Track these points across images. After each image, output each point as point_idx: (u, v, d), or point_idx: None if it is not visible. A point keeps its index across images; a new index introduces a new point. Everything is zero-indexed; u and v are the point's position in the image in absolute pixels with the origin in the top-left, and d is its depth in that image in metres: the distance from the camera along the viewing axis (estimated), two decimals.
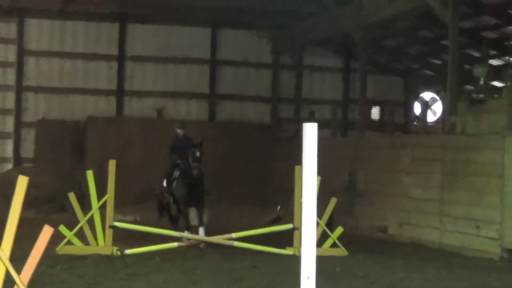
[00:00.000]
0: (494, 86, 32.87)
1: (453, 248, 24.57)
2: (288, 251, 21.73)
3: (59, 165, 35.19)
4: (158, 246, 21.28)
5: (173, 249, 21.60)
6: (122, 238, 22.13)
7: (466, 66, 34.05)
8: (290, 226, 22.01)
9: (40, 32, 38.60)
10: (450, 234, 25.24)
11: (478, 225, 23.97)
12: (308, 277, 10.00)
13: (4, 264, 10.22)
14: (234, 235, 22.00)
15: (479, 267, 20.84)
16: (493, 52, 36.85)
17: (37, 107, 38.47)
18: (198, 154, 23.32)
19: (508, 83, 26.89)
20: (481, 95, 27.02)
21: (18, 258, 10.17)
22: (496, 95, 27.06)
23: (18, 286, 10.17)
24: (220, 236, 22.37)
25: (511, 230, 22.71)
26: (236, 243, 21.87)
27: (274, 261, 20.29)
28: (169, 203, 25.20)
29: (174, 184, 24.29)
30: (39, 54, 38.57)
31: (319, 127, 10.46)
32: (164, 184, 24.85)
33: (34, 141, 38.02)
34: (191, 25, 39.55)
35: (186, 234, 23.05)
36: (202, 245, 22.96)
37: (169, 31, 39.55)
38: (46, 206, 29.04)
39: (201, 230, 23.47)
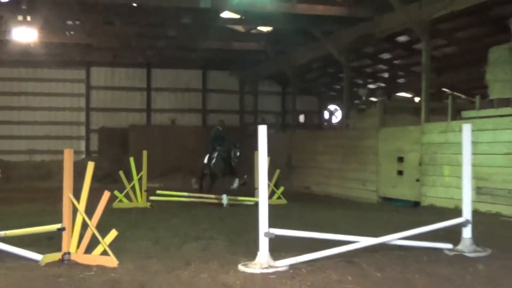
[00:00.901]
0: (371, 101, 33.17)
1: (349, 197, 24.75)
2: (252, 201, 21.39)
3: (113, 155, 35.12)
4: (175, 198, 21.47)
5: (185, 203, 21.29)
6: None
7: (354, 89, 34.22)
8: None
9: (99, 75, 38.37)
10: (348, 189, 25.45)
11: (364, 183, 24.28)
12: (264, 216, 10.35)
13: (81, 214, 10.49)
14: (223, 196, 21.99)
15: (365, 207, 21.11)
16: (370, 80, 37.16)
17: (98, 120, 38.32)
18: (238, 153, 22.24)
19: (379, 98, 27.13)
20: (364, 106, 27.40)
21: (89, 210, 10.53)
22: (372, 106, 27.32)
23: (90, 227, 10.43)
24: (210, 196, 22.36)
25: (383, 185, 23.06)
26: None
27: (239, 209, 20.32)
28: (207, 174, 23.94)
29: (213, 162, 23.04)
30: (98, 88, 38.40)
31: (268, 128, 10.83)
32: (205, 161, 23.61)
33: (97, 141, 38.06)
34: (190, 68, 39.18)
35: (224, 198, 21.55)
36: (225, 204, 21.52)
37: (177, 72, 39.23)
38: (105, 180, 28.89)
39: (236, 182, 22.62)
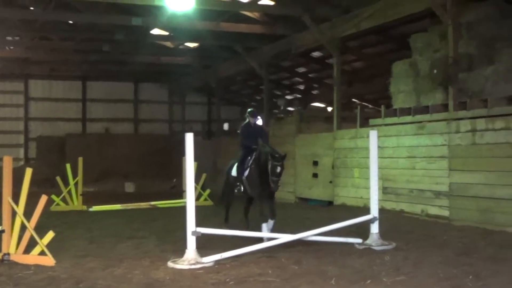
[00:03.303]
0: (288, 110, 33.45)
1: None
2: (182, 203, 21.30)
3: (51, 162, 34.50)
4: (111, 207, 20.92)
5: (121, 209, 20.77)
6: (91, 201, 21.69)
7: (274, 100, 34.42)
8: None
9: (37, 87, 37.73)
10: None
11: (282, 185, 24.41)
12: (192, 216, 10.35)
13: (20, 217, 10.33)
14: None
15: (284, 207, 21.22)
16: (287, 92, 37.46)
17: (36, 129, 37.59)
18: (278, 170, 12.57)
19: (296, 108, 27.35)
20: (282, 115, 27.61)
21: (28, 213, 10.39)
22: (290, 115, 27.52)
23: (28, 228, 10.28)
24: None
25: (299, 187, 23.24)
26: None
27: (171, 211, 20.24)
28: (238, 191, 14.25)
29: (247, 172, 13.70)
30: (37, 99, 37.76)
31: (195, 135, 10.83)
32: (234, 172, 14.25)
33: (36, 149, 37.37)
34: (122, 81, 38.81)
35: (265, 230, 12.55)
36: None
37: (110, 84, 38.75)
38: (44, 185, 28.34)
39: (270, 224, 12.76)
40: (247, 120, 14.05)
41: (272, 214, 12.84)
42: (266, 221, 12.62)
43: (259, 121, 14.92)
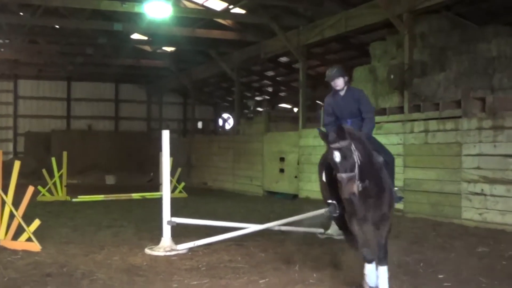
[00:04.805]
0: (258, 110, 33.47)
1: (240, 191, 24.84)
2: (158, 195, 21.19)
3: (38, 156, 34.04)
4: (93, 197, 20.73)
5: (102, 200, 20.45)
6: (74, 192, 21.34)
7: (244, 101, 34.39)
8: None
9: (25, 86, 37.11)
10: (238, 184, 25.51)
11: (251, 179, 24.44)
12: (167, 207, 10.33)
13: (9, 206, 10.25)
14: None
15: (253, 199, 21.28)
16: (257, 93, 37.51)
17: (24, 126, 37.02)
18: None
19: (264, 109, 27.39)
20: (252, 115, 27.63)
21: (16, 202, 10.32)
22: (259, 115, 27.55)
23: (17, 217, 10.19)
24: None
25: (267, 181, 23.26)
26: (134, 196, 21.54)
27: (148, 202, 20.14)
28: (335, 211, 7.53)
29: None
30: (25, 97, 37.13)
31: (171, 133, 10.80)
32: (324, 177, 7.83)
33: (24, 143, 36.94)
34: (104, 81, 38.38)
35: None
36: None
37: (93, 85, 38.23)
38: (31, 177, 27.98)
39: (382, 272, 7.11)
40: (334, 85, 8.10)
41: (382, 252, 7.15)
42: (380, 263, 7.14)
43: (340, 83, 8.03)
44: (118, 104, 39.45)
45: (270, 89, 36.49)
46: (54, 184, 20.49)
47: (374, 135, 8.15)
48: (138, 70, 34.88)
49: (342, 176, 6.59)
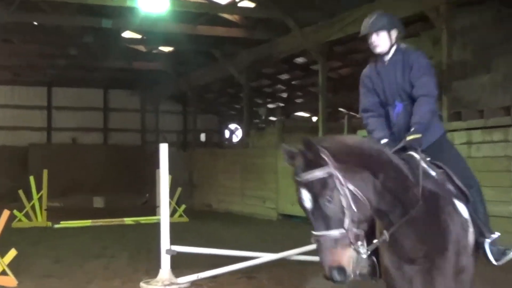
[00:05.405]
0: (270, 120, 33.49)
1: (250, 214, 24.82)
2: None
3: (13, 174, 34.12)
4: (79, 222, 20.74)
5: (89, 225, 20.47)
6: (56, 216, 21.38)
7: (254, 109, 34.43)
8: None
9: None
10: (248, 206, 25.52)
11: (264, 200, 24.40)
12: (166, 233, 10.31)
13: None
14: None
15: (265, 224, 21.27)
16: (269, 100, 37.54)
17: None
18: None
19: (278, 118, 27.42)
20: (263, 125, 27.66)
21: None
22: (271, 125, 27.58)
23: None
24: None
25: (282, 203, 23.21)
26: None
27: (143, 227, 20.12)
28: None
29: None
30: None
31: (169, 146, 10.80)
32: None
33: None
34: (91, 87, 38.32)
35: None
36: None
37: (78, 91, 38.15)
38: (5, 199, 28.04)
39: None
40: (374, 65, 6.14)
41: None
42: None
43: (382, 41, 5.85)
44: (107, 113, 39.55)
45: (284, 95, 36.53)
46: (33, 207, 20.54)
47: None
48: (130, 74, 35.01)
49: (318, 237, 4.41)
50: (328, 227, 4.35)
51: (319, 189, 4.39)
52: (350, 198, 4.38)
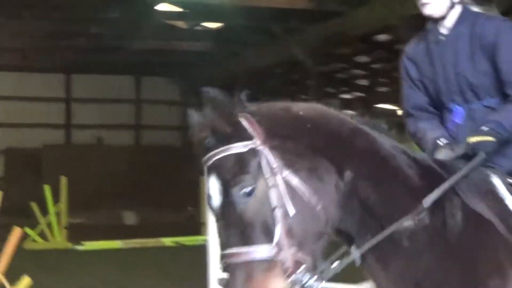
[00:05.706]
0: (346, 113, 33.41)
1: None
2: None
3: (23, 183, 34.47)
4: (106, 243, 20.98)
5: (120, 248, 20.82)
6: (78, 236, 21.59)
7: (325, 100, 34.34)
8: None
9: (4, 82, 37.28)
10: None
11: None
12: (216, 258, 10.42)
13: None
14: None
15: None
16: (344, 88, 37.44)
17: (4, 139, 37.33)
18: None
19: (356, 110, 27.35)
20: None
21: None
22: None
23: None
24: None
25: None
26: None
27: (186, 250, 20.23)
28: None
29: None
30: (3, 98, 37.46)
31: None
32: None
33: (3, 165, 37.57)
34: (119, 74, 38.79)
35: None
36: None
37: (103, 79, 38.68)
38: (14, 214, 28.56)
39: None
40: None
41: None
42: None
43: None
44: (140, 106, 39.95)
45: (363, 82, 36.43)
46: (49, 224, 20.80)
47: None
48: (167, 57, 35.19)
49: (228, 258, 3.65)
50: (245, 241, 3.42)
51: (232, 173, 3.43)
52: (287, 194, 3.37)
